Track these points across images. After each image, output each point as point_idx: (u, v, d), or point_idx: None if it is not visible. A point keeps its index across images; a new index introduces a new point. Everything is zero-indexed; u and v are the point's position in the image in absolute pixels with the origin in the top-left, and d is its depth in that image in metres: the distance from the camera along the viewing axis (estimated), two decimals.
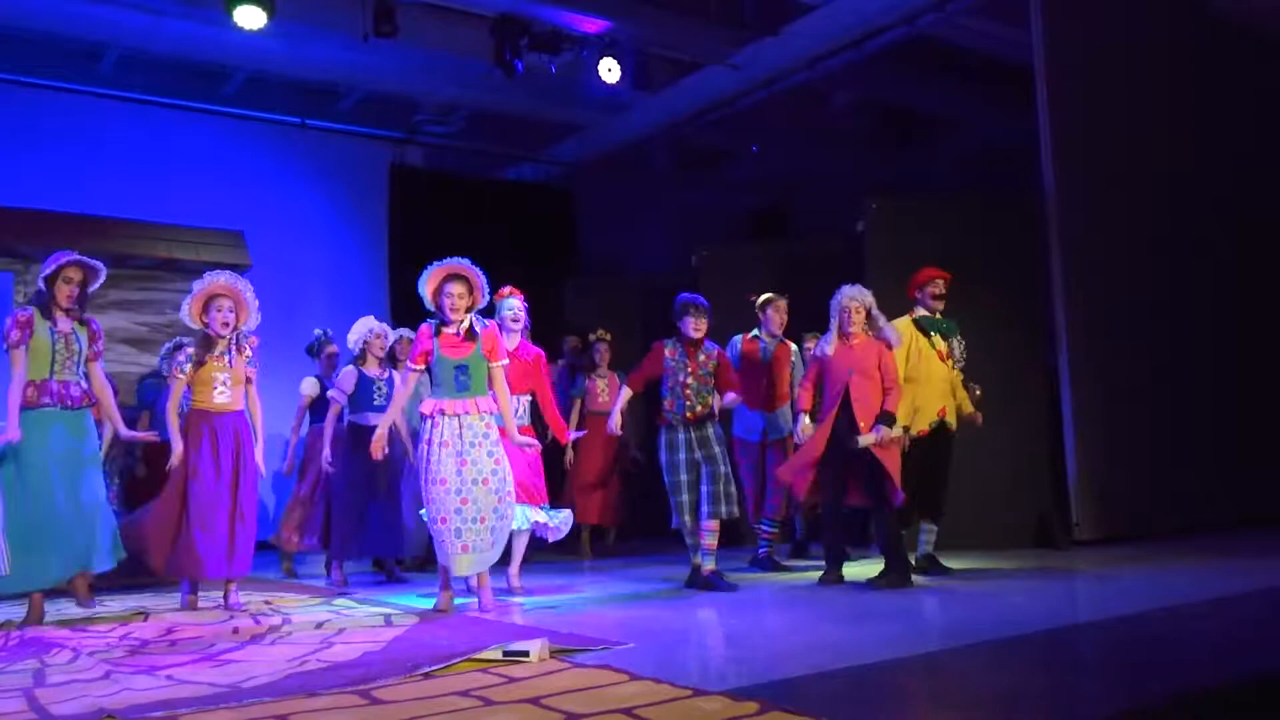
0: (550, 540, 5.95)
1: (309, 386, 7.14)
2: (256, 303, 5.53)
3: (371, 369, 6.71)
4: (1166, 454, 7.58)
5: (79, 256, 5.16)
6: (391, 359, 6.99)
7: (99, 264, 5.21)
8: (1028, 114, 7.67)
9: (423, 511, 5.20)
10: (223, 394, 5.43)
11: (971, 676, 3.36)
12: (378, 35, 7.81)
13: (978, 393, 6.06)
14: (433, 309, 5.10)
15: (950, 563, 6.09)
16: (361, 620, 4.86)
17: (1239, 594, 4.76)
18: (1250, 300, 8.34)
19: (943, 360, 5.96)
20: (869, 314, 5.71)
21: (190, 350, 5.46)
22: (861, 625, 4.37)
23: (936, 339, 5.97)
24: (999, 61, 9.20)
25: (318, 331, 7.39)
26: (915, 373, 5.88)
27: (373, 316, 6.92)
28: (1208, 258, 8.12)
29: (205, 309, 5.42)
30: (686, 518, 5.65)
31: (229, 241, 8.27)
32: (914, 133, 11.10)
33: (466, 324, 5.08)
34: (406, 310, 8.41)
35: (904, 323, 5.96)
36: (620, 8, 8.56)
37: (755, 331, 6.85)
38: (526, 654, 3.66)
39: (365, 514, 6.58)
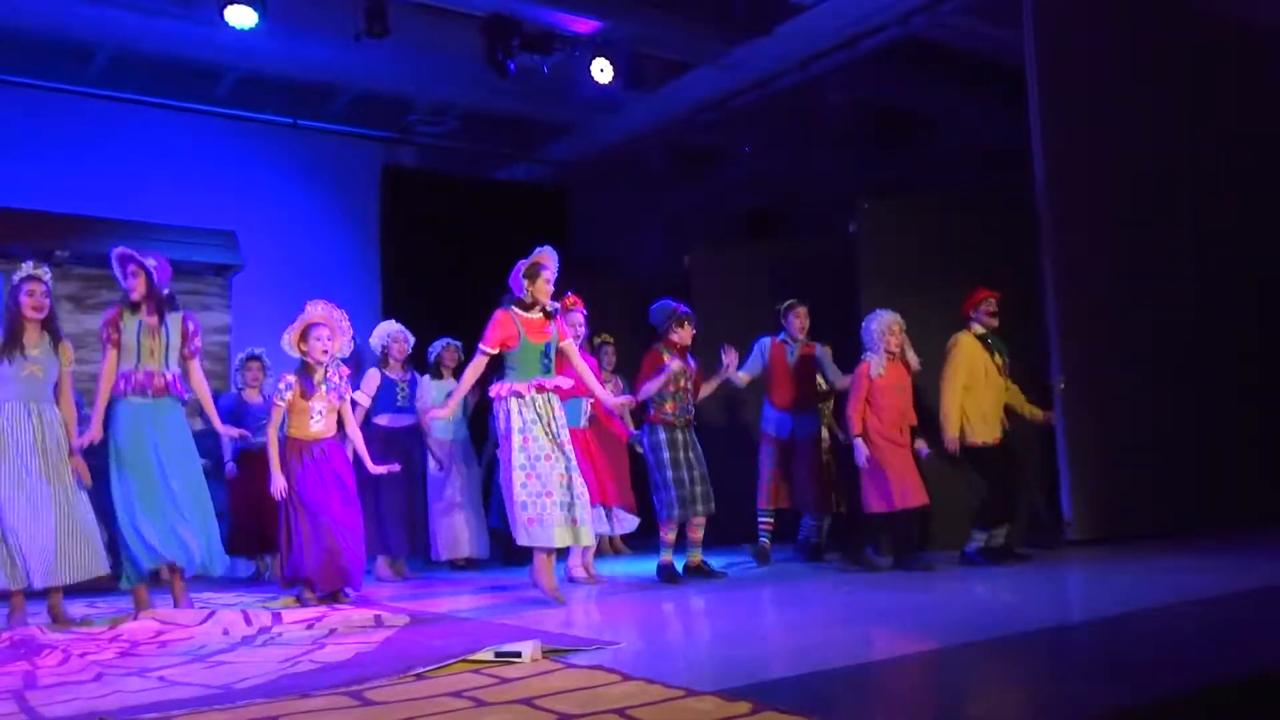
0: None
1: None
2: (351, 330, 5.66)
3: (393, 371, 6.76)
4: (1158, 454, 7.58)
5: (125, 251, 5.23)
6: (436, 369, 7.06)
7: (147, 258, 5.27)
8: (1020, 114, 7.68)
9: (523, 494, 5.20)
10: (319, 422, 5.56)
11: (964, 676, 3.37)
12: (369, 35, 7.79)
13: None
14: (526, 295, 5.29)
15: (941, 563, 6.17)
16: (353, 621, 4.85)
17: (1230, 594, 4.77)
18: (1243, 299, 8.35)
19: (1001, 374, 6.39)
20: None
21: (289, 378, 5.56)
22: (854, 625, 4.38)
23: (996, 355, 6.39)
24: (991, 62, 9.21)
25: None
26: (978, 384, 6.29)
27: (394, 320, 7.04)
28: (1200, 256, 8.13)
29: (303, 337, 5.54)
30: (682, 511, 5.94)
31: (221, 242, 8.25)
32: (906, 133, 11.11)
33: (549, 308, 5.34)
34: (399, 309, 8.41)
35: (968, 338, 6.40)
36: (612, 8, 8.56)
37: (781, 335, 7.11)
38: (519, 655, 3.66)
39: (392, 512, 6.68)
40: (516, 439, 5.14)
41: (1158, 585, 5.19)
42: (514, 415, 5.16)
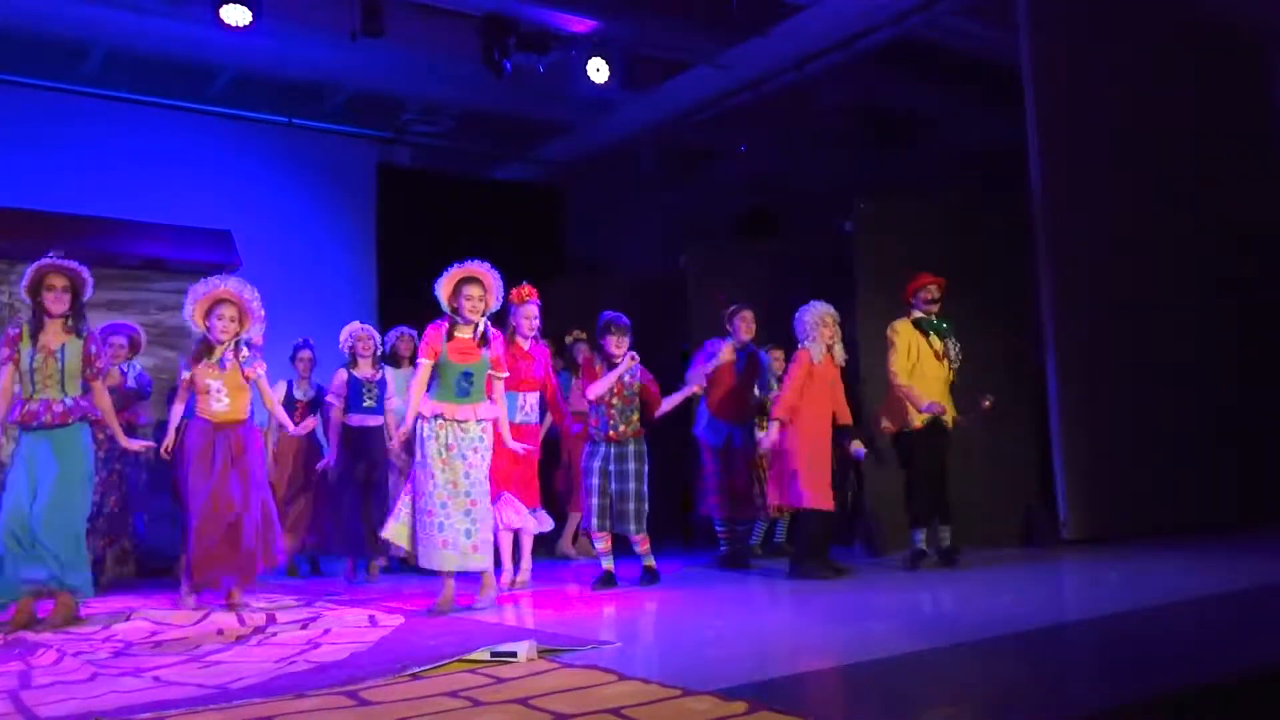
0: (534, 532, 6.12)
1: (276, 391, 7.15)
2: (261, 311, 5.42)
3: (363, 371, 6.73)
4: (1153, 453, 7.60)
5: (55, 260, 5.03)
6: (393, 358, 7.02)
7: (80, 266, 5.09)
8: (1015, 114, 7.69)
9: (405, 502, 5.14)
10: (221, 403, 5.30)
11: (959, 675, 3.37)
12: (365, 34, 7.79)
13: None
14: (448, 310, 5.10)
15: (936, 562, 6.17)
16: (347, 621, 4.84)
17: (1224, 592, 4.78)
18: (1238, 299, 8.37)
19: (938, 359, 6.29)
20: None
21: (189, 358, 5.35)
22: (849, 625, 4.39)
23: (934, 339, 6.30)
24: (986, 62, 9.21)
25: (297, 340, 7.42)
26: (915, 370, 6.22)
27: (358, 321, 6.94)
28: (1195, 256, 8.15)
29: (207, 314, 5.30)
30: (594, 520, 5.79)
31: (217, 241, 8.23)
32: (901, 133, 11.12)
33: (481, 328, 5.11)
34: (394, 308, 8.40)
35: (904, 324, 6.31)
36: (609, 8, 8.56)
37: (728, 339, 6.79)
38: (515, 654, 3.66)
39: (357, 513, 6.60)
40: (419, 455, 5.02)
41: (1153, 585, 5.20)
42: (422, 433, 5.03)
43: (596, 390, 5.80)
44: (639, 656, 3.68)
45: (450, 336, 5.07)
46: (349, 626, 4.65)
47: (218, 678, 3.54)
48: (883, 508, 7.20)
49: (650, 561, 5.90)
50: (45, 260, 5.07)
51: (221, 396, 5.29)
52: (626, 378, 5.86)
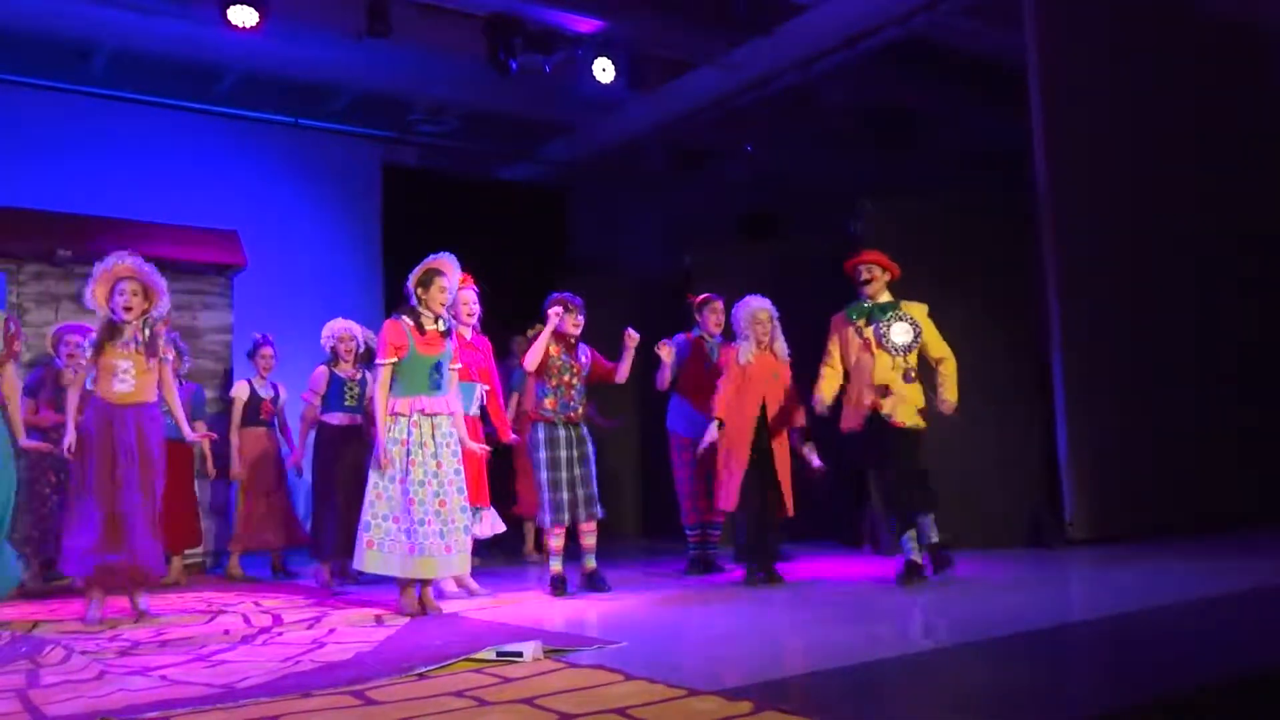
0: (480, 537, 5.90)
1: (239, 390, 7.19)
2: (164, 285, 5.19)
3: (344, 369, 6.69)
4: (1160, 453, 7.59)
5: None
6: (369, 357, 6.98)
7: None
8: (1020, 114, 7.68)
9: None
10: (126, 383, 5.01)
11: (965, 676, 3.37)
12: (371, 35, 7.79)
13: (943, 404, 5.65)
14: (417, 302, 5.00)
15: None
16: (352, 620, 4.86)
17: (1231, 593, 4.77)
18: (1244, 299, 8.35)
19: (871, 350, 5.63)
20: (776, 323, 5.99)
21: (93, 335, 5.06)
22: (855, 625, 4.39)
23: (864, 326, 5.67)
24: (992, 62, 9.21)
25: (255, 335, 7.43)
26: (848, 363, 5.73)
27: (341, 317, 6.86)
28: (1202, 256, 8.13)
29: (110, 293, 5.04)
30: (565, 515, 5.62)
31: (223, 241, 8.25)
32: (906, 133, 11.11)
33: (444, 321, 5.04)
34: (401, 308, 8.38)
35: (836, 316, 5.87)
36: (614, 8, 8.56)
37: (696, 331, 6.71)
38: (520, 654, 3.67)
39: (338, 515, 6.49)
40: (384, 459, 4.85)
41: (1159, 585, 5.19)
42: (393, 430, 4.89)
43: (532, 357, 5.62)
44: (644, 656, 3.68)
45: (421, 330, 4.96)
46: (354, 626, 4.66)
47: (224, 677, 3.55)
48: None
49: (594, 563, 5.74)
50: None
51: (128, 377, 5.02)
52: (581, 358, 5.81)
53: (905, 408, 5.57)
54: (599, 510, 5.74)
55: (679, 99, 10.19)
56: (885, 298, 5.74)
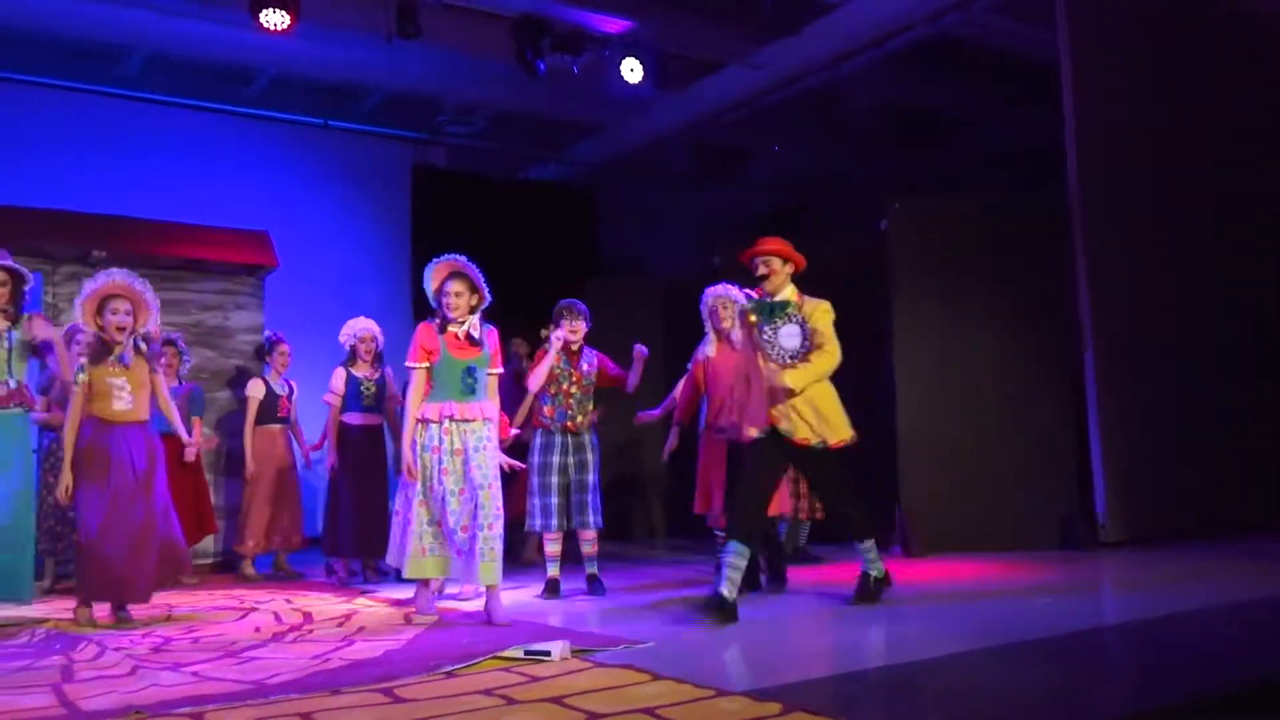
0: None
1: (254, 389, 7.17)
2: (156, 302, 5.13)
3: (361, 369, 6.69)
4: (1195, 455, 7.50)
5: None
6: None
7: (21, 268, 4.94)
8: (1049, 113, 7.62)
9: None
10: (123, 401, 4.97)
11: (994, 678, 3.35)
12: (400, 36, 7.83)
13: (779, 380, 4.75)
14: (435, 306, 4.90)
15: (973, 562, 6.09)
16: (382, 619, 4.89)
17: (1266, 598, 4.71)
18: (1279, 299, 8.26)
19: (765, 354, 4.85)
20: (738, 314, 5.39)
21: (82, 359, 5.00)
22: (883, 626, 4.36)
23: (752, 320, 4.93)
24: (1021, 61, 9.14)
25: (270, 333, 7.47)
26: (743, 365, 5.03)
27: (363, 316, 6.86)
28: (1236, 256, 8.04)
29: (99, 310, 4.98)
30: (553, 520, 5.63)
31: (255, 242, 8.32)
32: (935, 132, 11.06)
33: (467, 327, 4.82)
34: (428, 308, 8.41)
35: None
36: (642, 8, 8.56)
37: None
38: (549, 653, 3.68)
39: (354, 514, 6.52)
40: (416, 464, 4.75)
41: (1191, 588, 5.13)
42: (423, 436, 4.76)
43: (535, 380, 5.62)
44: (672, 656, 3.68)
45: (444, 332, 4.82)
46: (383, 625, 4.69)
47: (255, 674, 3.58)
48: (919, 510, 7.17)
49: (595, 569, 5.73)
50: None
51: (124, 395, 4.97)
52: (585, 366, 5.76)
53: (797, 420, 4.78)
54: (597, 519, 5.70)
55: (706, 99, 10.18)
56: (787, 294, 4.91)
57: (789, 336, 4.80)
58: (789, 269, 4.93)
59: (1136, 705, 2.87)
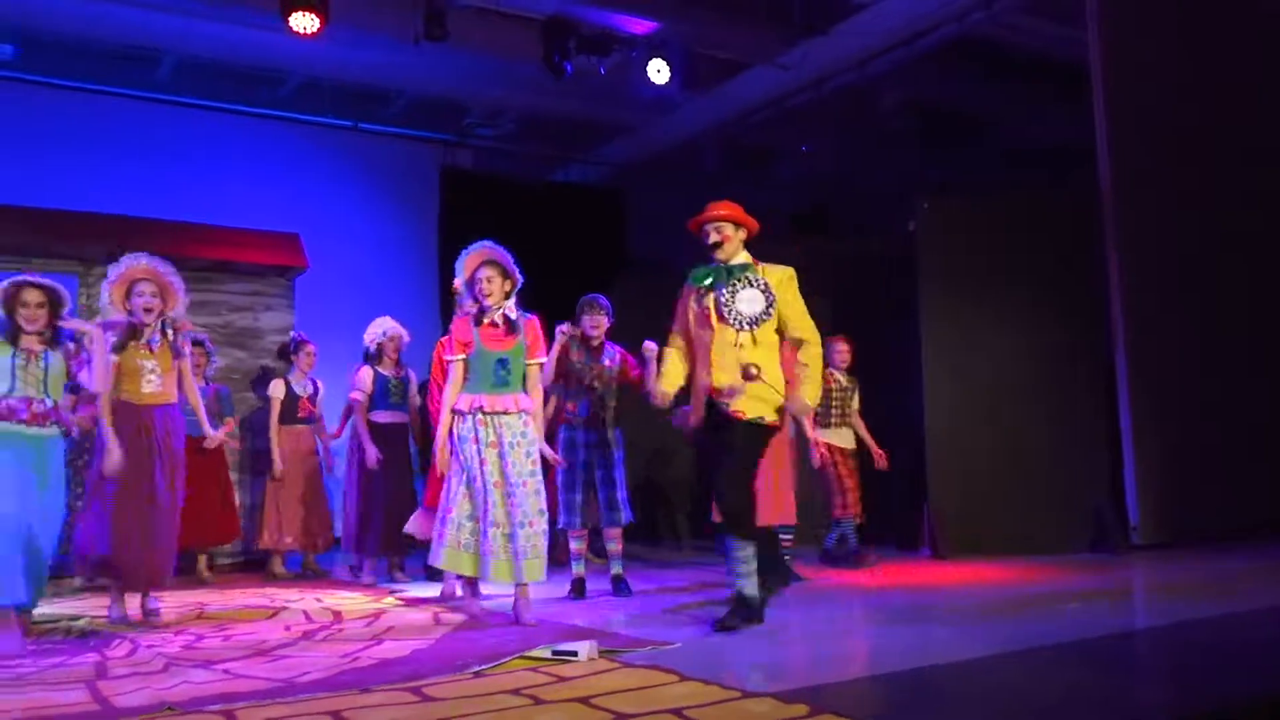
0: None
1: (276, 389, 7.22)
2: (182, 286, 5.18)
3: (386, 368, 6.76)
4: (1229, 456, 7.41)
5: (32, 277, 4.74)
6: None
7: (58, 285, 4.78)
8: (1079, 112, 7.55)
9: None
10: (153, 384, 5.03)
11: (1024, 682, 3.32)
12: (428, 39, 7.88)
13: (794, 403, 4.49)
14: (468, 295, 4.85)
15: (1003, 565, 6.04)
16: (410, 618, 4.91)
17: None
18: None
19: (711, 322, 4.48)
20: None
21: (114, 340, 4.97)
22: (912, 628, 4.34)
23: (705, 293, 4.56)
24: (1051, 59, 9.07)
25: (294, 334, 7.53)
26: (693, 344, 4.66)
27: (389, 317, 6.90)
28: (1271, 254, 7.93)
29: (127, 295, 5.06)
30: (576, 518, 5.61)
31: (285, 243, 8.39)
32: (964, 131, 10.98)
33: (503, 313, 4.75)
34: (453, 311, 8.45)
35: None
36: (669, 8, 8.56)
37: None
38: (576, 654, 3.68)
39: (381, 512, 6.56)
40: (454, 457, 4.68)
41: (1224, 591, 5.08)
42: (458, 429, 4.68)
43: (545, 373, 5.44)
44: (699, 657, 3.67)
45: (479, 323, 4.76)
46: (412, 624, 4.72)
47: (285, 672, 3.61)
48: (948, 511, 7.12)
49: (620, 569, 5.72)
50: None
51: (153, 377, 5.04)
52: (607, 361, 5.74)
53: (749, 398, 4.39)
54: (627, 514, 5.66)
55: (734, 99, 10.17)
56: (742, 259, 4.57)
57: (749, 301, 4.43)
58: (742, 234, 4.61)
59: (1170, 710, 2.83)
